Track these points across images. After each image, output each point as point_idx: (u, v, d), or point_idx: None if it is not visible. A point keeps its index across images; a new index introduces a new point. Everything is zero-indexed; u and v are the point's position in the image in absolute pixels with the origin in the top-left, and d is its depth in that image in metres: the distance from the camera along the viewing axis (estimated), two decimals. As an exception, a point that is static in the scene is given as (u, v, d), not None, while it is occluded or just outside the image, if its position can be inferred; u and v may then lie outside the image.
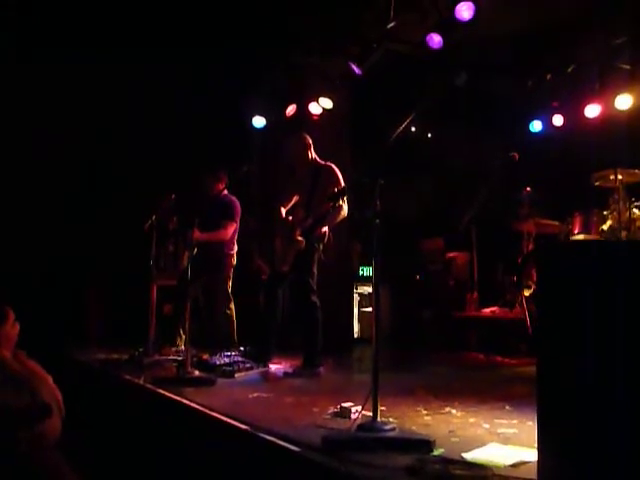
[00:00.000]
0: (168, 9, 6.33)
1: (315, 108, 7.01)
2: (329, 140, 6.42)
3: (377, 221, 3.12)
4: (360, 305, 8.10)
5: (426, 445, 2.82)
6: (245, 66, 7.09)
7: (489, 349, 6.06)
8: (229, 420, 3.37)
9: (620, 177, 5.80)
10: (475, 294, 6.64)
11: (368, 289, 8.08)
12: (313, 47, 6.70)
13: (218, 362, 5.03)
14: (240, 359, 5.19)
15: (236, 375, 4.87)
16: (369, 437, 2.87)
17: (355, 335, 7.88)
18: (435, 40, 5.75)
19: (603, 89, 6.99)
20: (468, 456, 2.73)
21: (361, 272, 8.19)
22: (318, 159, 5.28)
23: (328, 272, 6.52)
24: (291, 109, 7.13)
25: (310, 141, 5.25)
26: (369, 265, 8.02)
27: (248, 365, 5.09)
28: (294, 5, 6.27)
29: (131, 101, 6.69)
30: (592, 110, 7.17)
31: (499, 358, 5.89)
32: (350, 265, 7.59)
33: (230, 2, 6.47)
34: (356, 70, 6.31)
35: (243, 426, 3.23)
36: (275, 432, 3.07)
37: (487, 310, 6.45)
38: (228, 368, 4.90)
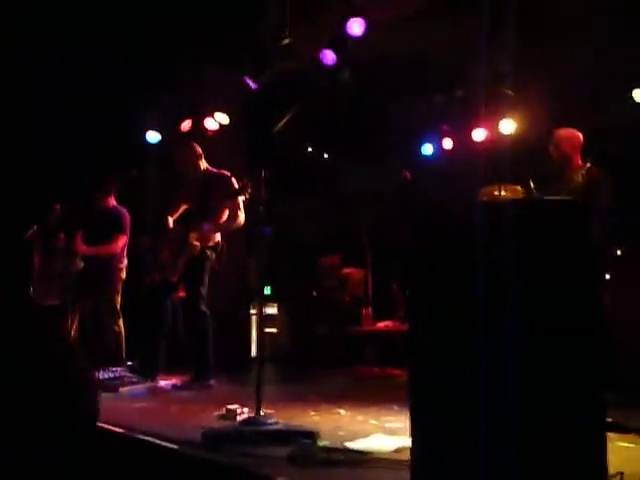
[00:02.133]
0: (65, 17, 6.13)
1: (211, 124, 6.93)
2: (226, 155, 6.36)
3: (261, 208, 3.06)
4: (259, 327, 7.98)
5: (310, 436, 2.77)
6: (140, 79, 6.93)
7: (383, 362, 6.09)
8: (105, 425, 3.18)
9: (504, 193, 6.04)
10: (370, 309, 6.71)
11: (266, 310, 7.98)
12: (208, 62, 6.66)
13: (102, 377, 4.77)
14: (126, 374, 4.96)
15: (121, 389, 4.65)
16: (251, 430, 2.78)
17: (253, 355, 7.74)
18: (328, 57, 5.83)
19: (489, 113, 7.33)
20: (352, 445, 2.70)
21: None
22: (211, 168, 5.21)
23: (225, 291, 6.41)
24: (186, 124, 7.02)
25: (200, 151, 5.18)
26: (267, 285, 7.94)
27: (134, 380, 4.87)
28: (189, 20, 6.21)
29: (18, 104, 6.38)
30: (479, 134, 7.49)
31: (392, 370, 5.93)
32: (247, 284, 7.49)
33: (125, 14, 6.34)
34: (251, 85, 6.30)
35: (119, 429, 3.06)
36: (155, 434, 2.93)
37: (381, 324, 6.52)
38: (112, 382, 4.66)
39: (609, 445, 2.50)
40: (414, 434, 1.99)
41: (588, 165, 4.37)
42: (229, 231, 4.97)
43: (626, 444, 2.48)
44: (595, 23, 5.27)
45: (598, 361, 1.87)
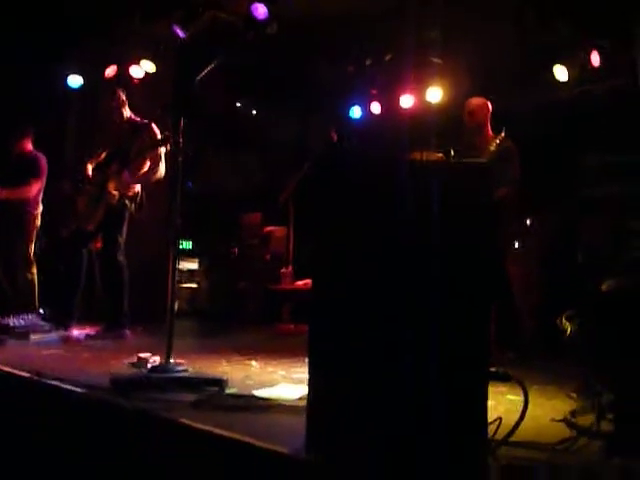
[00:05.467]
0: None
1: (137, 71, 6.76)
2: (150, 104, 6.24)
3: (180, 159, 3.05)
4: (178, 281, 7.94)
5: (218, 383, 2.83)
6: (65, 24, 6.65)
7: (300, 319, 6.19)
8: (11, 370, 3.15)
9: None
10: (290, 268, 6.77)
11: (187, 265, 7.94)
12: (136, 9, 6.45)
13: (12, 324, 4.68)
14: (38, 322, 4.88)
15: (31, 337, 4.58)
16: (160, 377, 2.82)
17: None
18: (260, 10, 5.77)
19: (416, 80, 7.43)
20: (258, 393, 2.78)
21: (180, 246, 8.03)
22: (134, 117, 5.10)
23: (146, 242, 6.35)
24: (111, 70, 6.81)
25: (124, 97, 5.06)
26: (188, 239, 7.90)
27: (47, 328, 4.80)
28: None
29: None
30: (406, 100, 7.59)
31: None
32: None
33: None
34: (180, 34, 6.17)
35: (25, 374, 3.03)
36: (62, 378, 2.92)
37: (300, 283, 6.60)
38: (22, 329, 4.58)
39: (499, 398, 2.72)
40: (311, 382, 2.07)
41: (502, 135, 4.54)
42: (149, 182, 4.90)
43: (513, 397, 2.66)
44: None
45: (486, 313, 1.98)
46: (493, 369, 1.94)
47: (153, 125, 4.95)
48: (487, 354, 1.87)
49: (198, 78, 3.08)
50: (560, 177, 5.43)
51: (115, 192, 4.72)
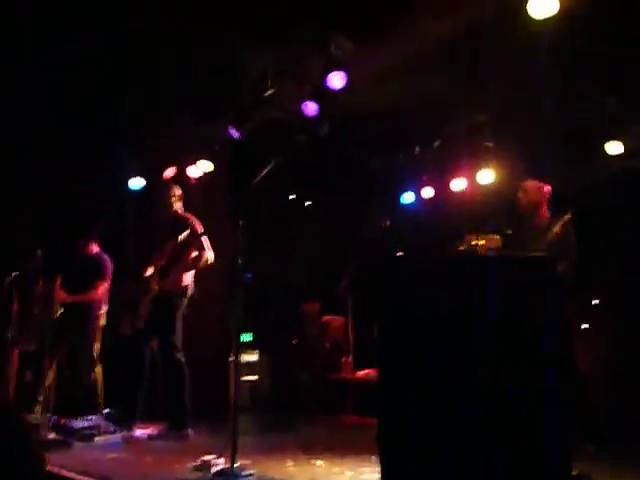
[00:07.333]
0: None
1: (194, 171, 7.01)
2: (211, 204, 6.46)
3: (239, 261, 3.10)
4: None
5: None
6: (120, 127, 7.01)
7: (363, 411, 6.04)
8: (78, 477, 3.14)
9: (482, 242, 6.11)
10: (350, 357, 6.69)
11: (247, 357, 7.92)
12: (191, 111, 6.75)
13: (77, 426, 4.71)
14: (102, 423, 4.90)
15: (96, 439, 4.59)
16: (225, 483, 2.76)
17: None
18: (310, 108, 5.97)
19: (468, 164, 7.47)
20: (325, 498, 2.68)
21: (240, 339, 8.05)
22: (180, 212, 5.24)
23: (205, 337, 6.40)
24: (170, 171, 7.09)
25: (178, 192, 5.24)
26: (248, 332, 7.92)
27: (111, 429, 4.81)
28: (168, 70, 6.31)
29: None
30: (458, 183, 7.61)
31: (372, 419, 5.88)
32: (227, 330, 7.47)
33: (105, 60, 6.43)
34: (234, 134, 6.41)
35: (92, 480, 3.02)
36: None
37: (362, 373, 6.49)
38: (87, 432, 4.60)
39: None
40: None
41: (568, 216, 4.48)
42: (196, 269, 4.96)
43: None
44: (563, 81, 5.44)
45: (566, 415, 1.89)
46: (575, 473, 1.82)
47: (190, 217, 5.07)
48: (569, 455, 1.77)
49: (255, 181, 3.16)
50: (627, 256, 5.30)
51: (155, 286, 4.80)
